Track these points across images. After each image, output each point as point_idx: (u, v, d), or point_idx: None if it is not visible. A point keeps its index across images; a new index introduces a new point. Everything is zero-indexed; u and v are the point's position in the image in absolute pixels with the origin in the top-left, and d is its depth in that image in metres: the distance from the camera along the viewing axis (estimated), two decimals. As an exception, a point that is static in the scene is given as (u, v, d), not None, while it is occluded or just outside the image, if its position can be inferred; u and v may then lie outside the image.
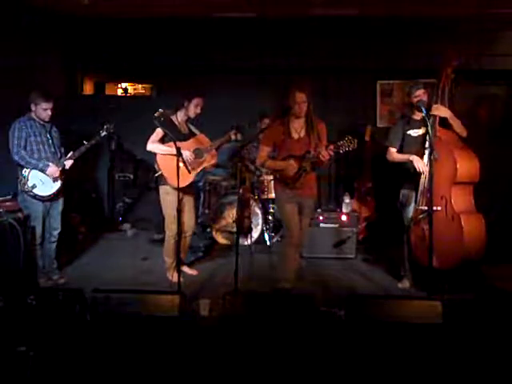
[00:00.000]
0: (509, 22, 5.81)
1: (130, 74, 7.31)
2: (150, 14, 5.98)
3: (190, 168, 4.34)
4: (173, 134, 4.07)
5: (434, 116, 3.97)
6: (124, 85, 7.60)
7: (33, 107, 4.28)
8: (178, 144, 4.00)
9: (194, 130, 4.56)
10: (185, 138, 4.38)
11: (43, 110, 4.27)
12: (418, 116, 4.14)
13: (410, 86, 4.20)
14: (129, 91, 7.69)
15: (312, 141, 3.92)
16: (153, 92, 7.41)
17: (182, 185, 4.06)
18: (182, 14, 5.95)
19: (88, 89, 7.35)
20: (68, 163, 4.39)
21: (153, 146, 4.31)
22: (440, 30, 5.89)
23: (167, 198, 4.36)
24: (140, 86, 7.77)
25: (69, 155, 4.44)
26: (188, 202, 4.56)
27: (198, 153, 4.40)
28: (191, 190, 4.59)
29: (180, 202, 4.16)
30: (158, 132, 4.26)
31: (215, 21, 6.18)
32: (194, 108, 4.36)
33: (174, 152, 3.86)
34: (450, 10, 5.56)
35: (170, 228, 4.43)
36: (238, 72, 6.62)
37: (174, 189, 4.13)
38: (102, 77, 7.44)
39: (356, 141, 3.67)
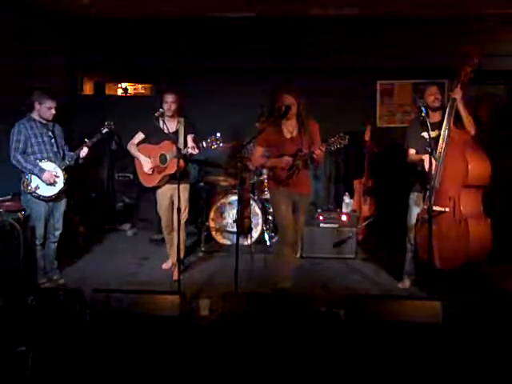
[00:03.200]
0: (509, 22, 5.81)
1: (130, 74, 7.31)
2: (150, 14, 5.98)
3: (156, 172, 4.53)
4: (153, 136, 4.46)
5: (451, 110, 3.92)
6: (124, 85, 7.59)
7: (37, 106, 4.28)
8: (149, 147, 4.53)
9: (181, 130, 4.52)
10: (162, 139, 4.41)
11: (47, 109, 4.28)
12: (433, 118, 4.10)
13: (423, 86, 4.17)
14: (129, 91, 7.69)
15: (304, 140, 3.94)
16: (153, 92, 7.41)
17: (148, 185, 4.60)
18: (182, 14, 5.95)
19: (88, 89, 7.35)
20: (84, 153, 4.44)
21: (129, 147, 4.64)
22: (440, 30, 5.89)
23: (156, 192, 4.65)
24: (140, 85, 7.77)
25: (69, 156, 4.45)
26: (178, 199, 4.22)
27: (162, 159, 4.45)
28: (181, 189, 4.16)
29: (171, 199, 4.57)
30: (139, 135, 4.58)
31: (215, 21, 6.18)
32: (165, 105, 4.41)
33: (138, 157, 4.54)
34: (451, 10, 5.56)
35: (162, 221, 4.75)
36: (238, 72, 6.62)
37: (155, 187, 4.59)
38: (101, 77, 7.44)
39: (347, 137, 3.66)
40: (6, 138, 4.31)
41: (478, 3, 5.31)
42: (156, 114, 4.17)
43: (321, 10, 5.73)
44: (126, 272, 4.82)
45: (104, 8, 5.67)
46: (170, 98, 4.42)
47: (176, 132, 4.49)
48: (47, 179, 4.26)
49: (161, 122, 4.35)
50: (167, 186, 4.54)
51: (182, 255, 4.57)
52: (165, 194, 4.59)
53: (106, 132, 4.56)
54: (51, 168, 4.30)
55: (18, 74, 5.35)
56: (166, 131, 4.34)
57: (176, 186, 4.18)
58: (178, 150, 4.11)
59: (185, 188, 4.57)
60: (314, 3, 5.52)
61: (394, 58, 6.25)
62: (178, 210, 4.00)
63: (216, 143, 4.15)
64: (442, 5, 5.40)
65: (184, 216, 4.56)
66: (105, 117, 4.76)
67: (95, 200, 6.72)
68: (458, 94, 3.93)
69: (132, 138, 4.65)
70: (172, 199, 4.58)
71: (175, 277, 4.35)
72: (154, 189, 4.63)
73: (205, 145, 4.22)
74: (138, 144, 4.59)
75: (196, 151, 4.33)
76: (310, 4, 5.55)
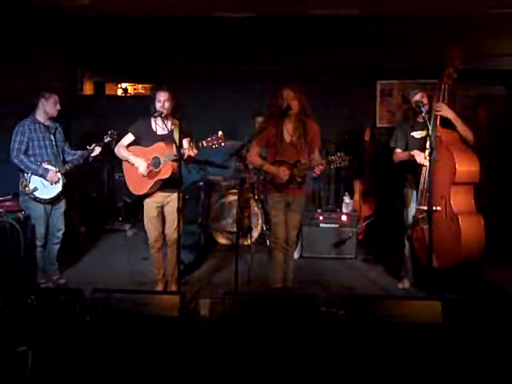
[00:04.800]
0: (509, 22, 5.81)
1: (130, 74, 7.31)
2: (150, 14, 5.98)
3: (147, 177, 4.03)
4: (145, 138, 4.07)
5: (436, 116, 3.97)
6: (124, 85, 7.60)
7: (43, 102, 4.28)
8: (140, 150, 4.06)
9: (176, 132, 4.01)
10: (155, 140, 4.04)
11: (54, 104, 4.29)
12: (421, 118, 4.11)
13: (407, 91, 4.19)
14: (129, 91, 7.69)
15: (304, 146, 3.90)
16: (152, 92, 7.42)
17: (138, 192, 4.11)
18: (182, 13, 5.95)
19: (88, 89, 7.36)
20: (96, 152, 4.44)
21: (118, 150, 4.16)
22: (440, 30, 5.88)
23: (144, 203, 4.19)
24: (140, 85, 7.77)
25: (75, 155, 4.47)
26: (169, 212, 4.10)
27: (155, 162, 3.98)
28: (173, 199, 3.96)
29: (161, 210, 4.16)
30: (129, 136, 4.14)
31: (215, 21, 6.18)
32: (158, 104, 3.98)
33: (130, 160, 4.04)
34: (450, 10, 5.56)
35: (149, 236, 4.24)
36: (238, 72, 6.62)
37: (143, 196, 4.13)
38: (102, 77, 7.44)
39: (348, 158, 3.66)
40: (6, 138, 4.31)
41: (479, 3, 5.31)
42: (155, 115, 3.96)
43: (321, 10, 5.73)
44: (126, 272, 4.81)
45: (104, 8, 5.67)
46: (163, 96, 3.97)
47: (171, 133, 3.98)
48: (52, 178, 4.26)
49: (153, 124, 4.08)
50: (157, 194, 4.10)
51: (175, 273, 4.17)
52: (154, 203, 4.13)
53: (109, 141, 4.46)
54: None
55: (18, 74, 5.35)
56: (158, 133, 4.06)
57: (167, 194, 4.05)
58: (178, 149, 3.74)
59: (176, 199, 3.85)
60: (314, 3, 5.52)
61: (394, 58, 6.26)
62: (178, 209, 3.80)
63: (218, 142, 3.77)
64: (442, 5, 5.40)
65: (173, 232, 4.08)
66: (105, 118, 4.75)
67: (95, 200, 6.72)
68: (438, 108, 3.93)
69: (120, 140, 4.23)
70: (162, 210, 4.16)
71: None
72: (143, 197, 4.15)
73: (205, 144, 3.81)
74: (128, 146, 4.14)
75: (194, 151, 3.88)
76: (310, 4, 5.55)
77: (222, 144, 3.78)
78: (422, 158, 3.94)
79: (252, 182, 5.82)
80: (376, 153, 6.16)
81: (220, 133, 3.77)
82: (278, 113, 3.85)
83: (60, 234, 4.49)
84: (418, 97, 4.06)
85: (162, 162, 3.93)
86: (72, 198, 4.68)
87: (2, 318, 2.72)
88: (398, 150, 4.26)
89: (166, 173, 3.93)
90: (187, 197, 5.98)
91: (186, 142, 4.01)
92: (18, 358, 2.46)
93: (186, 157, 3.88)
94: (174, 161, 3.81)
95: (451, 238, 3.89)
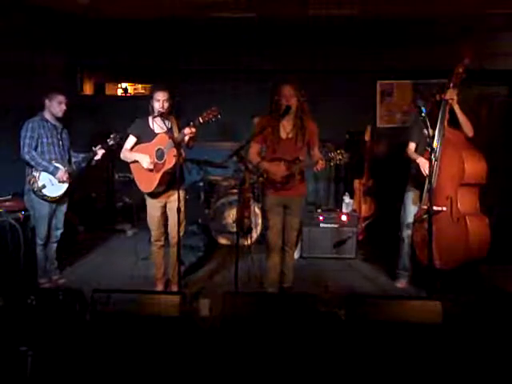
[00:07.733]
0: (509, 22, 5.81)
1: (130, 74, 7.31)
2: (150, 15, 5.98)
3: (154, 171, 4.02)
4: (145, 136, 4.06)
5: (444, 111, 3.94)
6: (124, 85, 7.60)
7: (47, 103, 4.29)
8: (144, 146, 4.05)
9: (174, 127, 4.08)
10: (153, 137, 4.06)
11: (58, 104, 4.29)
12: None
13: (422, 87, 4.16)
14: (129, 91, 7.69)
15: (302, 143, 3.87)
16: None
17: (148, 190, 4.09)
18: (182, 14, 5.95)
19: (88, 89, 7.36)
20: (99, 156, 4.46)
21: (123, 155, 4.18)
22: (440, 30, 5.89)
23: (146, 202, 4.22)
24: (140, 85, 7.77)
25: (77, 158, 4.48)
26: (172, 211, 4.08)
27: (159, 155, 4.00)
28: (176, 198, 3.93)
29: (164, 209, 4.16)
30: (130, 139, 4.15)
31: (215, 21, 6.18)
32: (157, 104, 4.00)
33: (135, 158, 4.06)
34: (451, 10, 5.56)
35: (152, 234, 4.27)
36: (238, 72, 6.62)
37: (148, 194, 4.14)
38: (101, 77, 7.44)
39: (348, 155, 3.66)
40: (6, 137, 4.31)
41: (479, 3, 5.31)
42: (155, 115, 3.97)
43: (321, 11, 5.73)
44: (126, 272, 4.81)
45: (104, 8, 5.67)
46: (161, 96, 3.99)
47: (170, 129, 4.05)
48: (61, 177, 4.27)
49: (150, 122, 4.09)
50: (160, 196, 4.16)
51: (175, 276, 4.16)
52: (157, 202, 4.15)
53: (112, 144, 4.44)
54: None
55: (18, 74, 5.35)
56: (156, 131, 4.07)
57: (169, 193, 4.08)
58: (178, 149, 3.78)
59: (176, 201, 3.90)
60: (314, 3, 5.52)
61: (394, 58, 6.26)
62: (178, 209, 3.85)
63: (214, 115, 3.76)
64: (442, 5, 5.40)
65: (177, 232, 4.03)
66: (105, 118, 4.75)
67: (95, 200, 6.72)
68: (450, 95, 3.95)
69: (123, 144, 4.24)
70: (165, 210, 4.18)
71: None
72: (150, 195, 4.16)
73: (201, 120, 3.79)
74: (132, 149, 4.16)
75: (193, 130, 3.86)
76: (310, 4, 5.55)
77: (219, 116, 3.78)
78: (427, 167, 3.88)
79: (252, 182, 5.82)
80: (376, 153, 6.17)
81: (214, 107, 3.78)
82: (276, 110, 3.81)
83: (59, 233, 4.52)
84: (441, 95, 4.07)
85: (165, 151, 3.93)
86: (72, 198, 4.67)
87: (2, 317, 2.72)
88: (412, 145, 4.23)
89: (169, 163, 3.91)
90: (187, 197, 5.99)
91: (186, 128, 3.97)
92: (17, 358, 2.46)
93: (187, 139, 3.93)
94: (177, 144, 3.79)
95: (458, 239, 3.88)
